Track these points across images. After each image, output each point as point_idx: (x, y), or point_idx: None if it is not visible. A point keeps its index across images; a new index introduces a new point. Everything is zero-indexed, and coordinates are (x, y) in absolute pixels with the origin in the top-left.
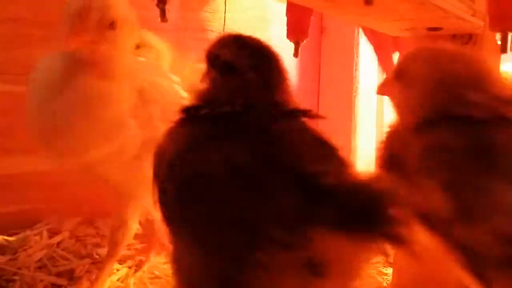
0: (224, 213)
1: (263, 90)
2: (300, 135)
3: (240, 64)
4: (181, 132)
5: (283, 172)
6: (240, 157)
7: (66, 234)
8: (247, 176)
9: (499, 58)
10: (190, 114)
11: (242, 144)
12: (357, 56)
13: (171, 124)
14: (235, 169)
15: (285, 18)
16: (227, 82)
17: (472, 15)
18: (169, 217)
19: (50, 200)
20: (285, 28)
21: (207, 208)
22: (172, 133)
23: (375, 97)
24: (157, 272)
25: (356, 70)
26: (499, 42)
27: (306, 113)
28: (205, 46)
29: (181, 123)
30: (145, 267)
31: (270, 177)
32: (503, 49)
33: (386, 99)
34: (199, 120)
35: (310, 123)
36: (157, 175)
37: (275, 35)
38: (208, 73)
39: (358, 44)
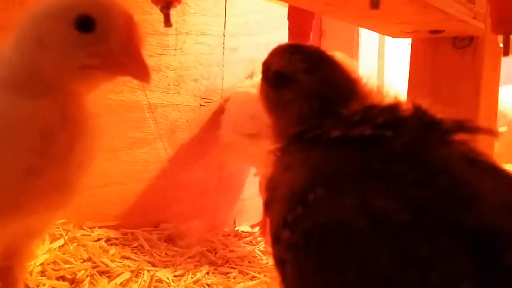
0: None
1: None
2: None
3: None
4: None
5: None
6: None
7: (67, 238)
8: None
9: (499, 60)
10: (301, 139)
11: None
12: (356, 59)
13: (274, 152)
14: (381, 223)
15: (287, 22)
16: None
17: (473, 18)
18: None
19: None
20: (286, 33)
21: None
22: (288, 165)
23: None
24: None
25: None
26: (501, 45)
27: (462, 126)
28: (206, 50)
29: (291, 150)
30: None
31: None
32: (506, 52)
33: None
34: (315, 147)
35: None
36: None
37: (277, 39)
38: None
39: (357, 47)
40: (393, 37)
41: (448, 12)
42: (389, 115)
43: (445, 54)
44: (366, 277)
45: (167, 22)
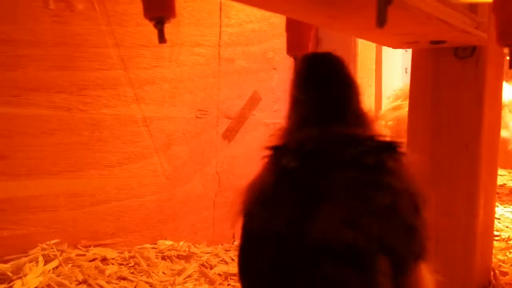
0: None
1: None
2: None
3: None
4: (264, 175)
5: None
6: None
7: (61, 259)
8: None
9: (502, 70)
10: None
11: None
12: (354, 68)
13: (265, 159)
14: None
15: (283, 31)
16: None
17: (475, 28)
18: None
19: (45, 225)
20: (283, 40)
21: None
22: (259, 175)
23: (372, 108)
24: None
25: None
26: (507, 58)
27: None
28: (201, 61)
29: (269, 161)
30: None
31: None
32: None
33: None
34: (276, 166)
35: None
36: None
37: (272, 49)
38: None
39: (355, 56)
40: (393, 47)
41: (450, 23)
42: (308, 149)
43: (447, 64)
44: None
45: (161, 38)
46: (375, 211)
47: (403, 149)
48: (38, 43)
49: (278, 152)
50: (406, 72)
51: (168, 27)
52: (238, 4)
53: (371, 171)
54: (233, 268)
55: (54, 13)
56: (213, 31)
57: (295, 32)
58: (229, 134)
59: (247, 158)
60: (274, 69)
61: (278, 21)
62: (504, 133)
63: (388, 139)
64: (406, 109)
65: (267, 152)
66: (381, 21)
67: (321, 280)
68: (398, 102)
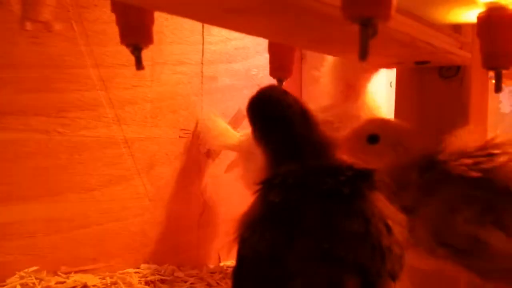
0: None
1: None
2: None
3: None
4: (254, 206)
5: None
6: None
7: (40, 287)
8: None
9: (487, 90)
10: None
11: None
12: None
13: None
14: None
15: (266, 48)
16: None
17: (459, 48)
18: None
19: (22, 252)
20: (267, 57)
21: None
22: (250, 206)
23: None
24: None
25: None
26: (493, 81)
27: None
28: (184, 79)
29: (258, 195)
30: None
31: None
32: (497, 88)
33: None
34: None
35: None
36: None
37: (256, 66)
38: None
39: None
40: (378, 68)
41: (435, 45)
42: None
43: (431, 84)
44: None
45: (139, 64)
46: (348, 238)
47: (378, 175)
48: (14, 65)
49: (264, 186)
50: (390, 86)
51: (149, 46)
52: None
53: (345, 199)
54: None
55: (31, 34)
56: (196, 48)
57: (278, 54)
58: (213, 153)
59: (232, 177)
60: (258, 85)
61: (262, 39)
62: None
63: (363, 167)
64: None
65: (257, 187)
66: (363, 55)
67: None
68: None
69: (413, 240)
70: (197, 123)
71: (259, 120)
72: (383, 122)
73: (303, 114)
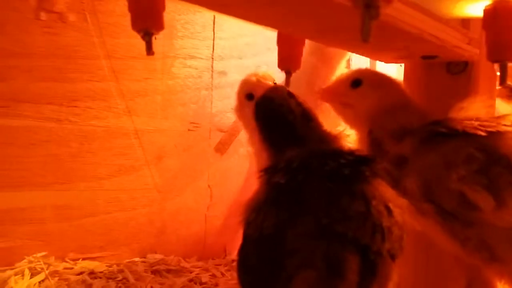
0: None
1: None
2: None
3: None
4: (259, 190)
5: None
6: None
7: (48, 272)
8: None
9: (494, 85)
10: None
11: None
12: None
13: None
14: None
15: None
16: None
17: (467, 43)
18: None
19: (32, 237)
20: (276, 54)
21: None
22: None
23: None
24: None
25: None
26: (498, 73)
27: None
28: (194, 74)
29: (263, 179)
30: None
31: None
32: (502, 80)
33: None
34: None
35: None
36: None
37: (266, 62)
38: None
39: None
40: (385, 62)
41: (443, 39)
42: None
43: (439, 79)
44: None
45: (149, 49)
46: (349, 216)
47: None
48: (28, 54)
49: (269, 171)
50: None
51: (160, 40)
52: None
53: (348, 181)
54: (223, 283)
55: (45, 24)
56: (206, 43)
57: (287, 47)
58: (221, 147)
59: (240, 171)
60: None
61: (272, 35)
62: None
63: (365, 153)
64: None
65: (262, 173)
66: (365, 36)
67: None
68: None
69: (401, 192)
70: (208, 118)
71: (265, 120)
72: (366, 69)
73: (305, 113)
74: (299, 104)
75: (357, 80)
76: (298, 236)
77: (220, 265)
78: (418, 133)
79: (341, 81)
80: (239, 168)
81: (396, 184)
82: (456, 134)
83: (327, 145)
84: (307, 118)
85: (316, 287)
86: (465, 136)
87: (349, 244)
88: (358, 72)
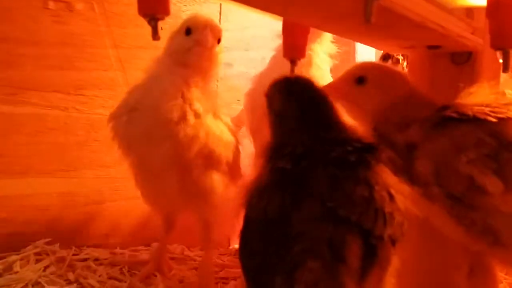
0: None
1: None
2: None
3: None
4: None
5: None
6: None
7: (53, 258)
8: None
9: (498, 75)
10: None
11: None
12: None
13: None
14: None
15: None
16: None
17: (471, 33)
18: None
19: (37, 223)
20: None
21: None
22: (258, 173)
23: None
24: None
25: None
26: (500, 60)
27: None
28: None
29: (266, 162)
30: None
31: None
32: (505, 67)
33: None
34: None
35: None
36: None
37: (271, 54)
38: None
39: (354, 57)
40: (390, 52)
41: (447, 28)
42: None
43: (443, 69)
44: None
45: (155, 34)
46: (352, 200)
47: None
48: (36, 42)
49: (273, 155)
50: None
51: (168, 32)
52: (238, 9)
53: (351, 167)
54: (225, 272)
55: (53, 13)
56: None
57: (292, 35)
58: None
59: (245, 162)
60: None
61: (278, 26)
62: None
63: (371, 141)
64: None
65: (265, 155)
66: (368, 16)
67: (300, 271)
68: None
69: (411, 176)
70: None
71: (288, 97)
72: (371, 64)
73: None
74: (320, 91)
75: (361, 78)
76: (303, 219)
77: (224, 254)
78: (428, 119)
79: (346, 78)
80: (245, 159)
81: (403, 171)
82: (467, 119)
83: (339, 133)
84: (325, 103)
85: (320, 276)
86: (476, 122)
87: (353, 228)
88: (362, 68)
